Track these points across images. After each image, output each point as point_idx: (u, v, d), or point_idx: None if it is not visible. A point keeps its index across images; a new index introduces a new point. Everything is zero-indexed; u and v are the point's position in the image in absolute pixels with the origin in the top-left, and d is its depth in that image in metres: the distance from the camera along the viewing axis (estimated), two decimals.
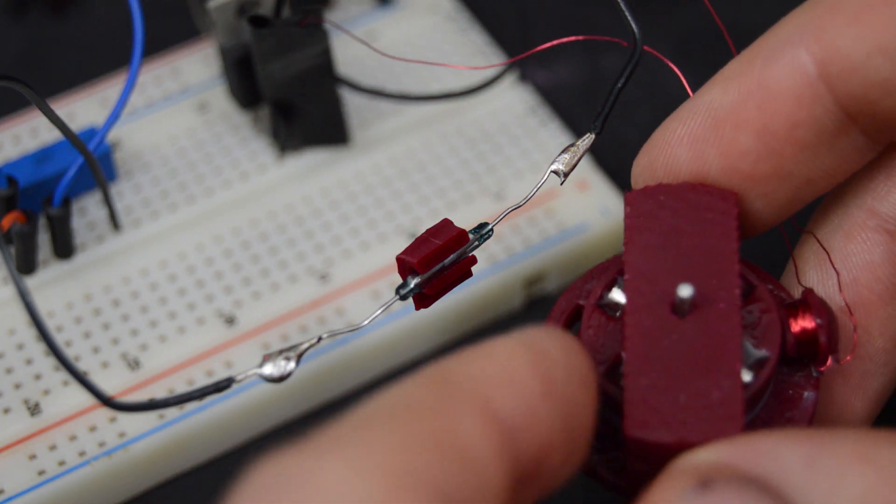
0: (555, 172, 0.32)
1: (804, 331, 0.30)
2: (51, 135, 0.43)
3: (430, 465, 0.25)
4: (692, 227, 0.30)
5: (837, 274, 0.32)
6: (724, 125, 0.31)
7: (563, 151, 0.32)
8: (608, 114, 0.33)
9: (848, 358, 0.31)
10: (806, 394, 0.30)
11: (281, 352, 0.30)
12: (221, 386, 0.30)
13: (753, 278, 0.30)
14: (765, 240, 0.32)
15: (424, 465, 0.25)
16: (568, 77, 0.46)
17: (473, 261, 0.32)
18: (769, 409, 0.30)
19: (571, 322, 0.31)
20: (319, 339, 0.31)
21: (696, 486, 0.27)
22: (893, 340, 0.32)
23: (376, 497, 0.25)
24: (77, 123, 0.43)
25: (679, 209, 0.30)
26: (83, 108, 0.44)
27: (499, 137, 0.43)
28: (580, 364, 0.28)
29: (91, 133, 0.40)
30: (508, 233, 0.41)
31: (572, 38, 0.36)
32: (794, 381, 0.30)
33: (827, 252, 0.32)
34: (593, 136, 0.32)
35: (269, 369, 0.30)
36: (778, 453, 0.27)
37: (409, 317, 0.40)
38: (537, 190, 0.33)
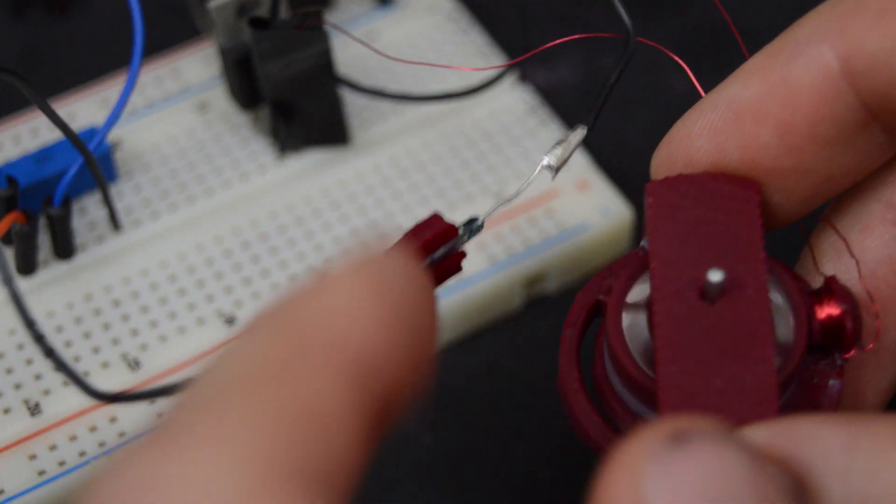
0: (546, 167, 0.32)
1: (830, 317, 0.30)
2: (51, 135, 0.43)
3: (292, 442, 0.23)
4: (715, 214, 0.30)
5: (857, 262, 0.32)
6: (746, 119, 0.31)
7: (554, 145, 0.32)
8: (601, 107, 0.33)
9: (871, 345, 0.31)
10: (832, 382, 0.30)
11: None
12: None
13: (779, 269, 0.30)
14: (779, 234, 0.32)
15: (286, 446, 0.23)
16: (568, 77, 0.46)
17: (463, 255, 0.32)
18: (795, 397, 0.30)
19: (590, 318, 0.31)
20: None
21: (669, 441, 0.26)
22: None
23: (239, 501, 0.22)
24: (77, 123, 0.43)
25: (701, 198, 0.30)
26: (83, 108, 0.44)
27: (499, 137, 0.43)
28: (422, 286, 0.26)
29: (91, 133, 0.40)
30: (508, 233, 0.41)
31: (571, 38, 0.36)
32: (819, 369, 0.30)
33: (845, 240, 0.32)
34: (585, 129, 0.33)
35: None
36: (817, 436, 0.27)
37: None
38: (528, 184, 0.33)
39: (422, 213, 0.42)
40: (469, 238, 0.32)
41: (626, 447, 0.25)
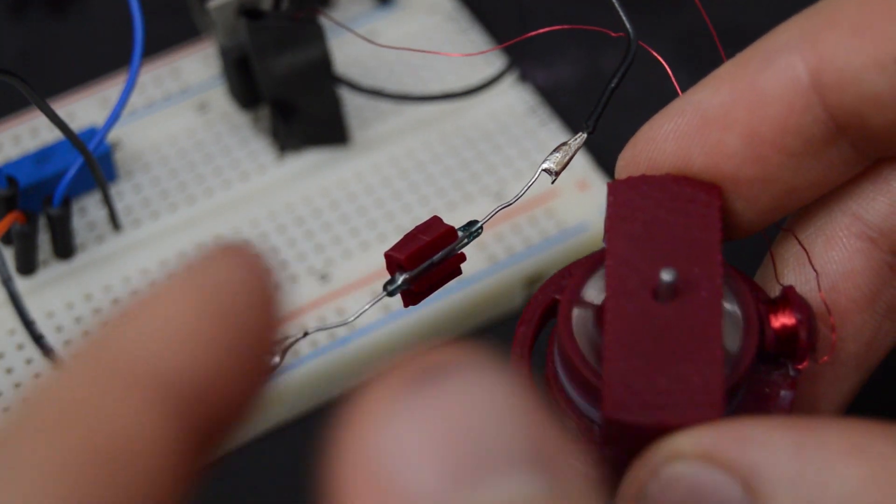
0: (546, 171, 0.32)
1: (784, 327, 0.30)
2: (51, 135, 0.43)
3: (91, 486, 0.21)
4: (675, 217, 0.30)
5: (817, 274, 0.32)
6: (712, 125, 0.30)
7: (555, 150, 0.33)
8: (601, 113, 0.33)
9: (826, 358, 0.31)
10: (783, 393, 0.30)
11: None
12: None
13: (735, 276, 0.30)
14: (744, 243, 0.32)
15: (87, 490, 0.21)
16: (568, 77, 0.46)
17: (462, 258, 0.32)
18: (746, 405, 0.30)
19: (546, 317, 0.31)
20: (305, 333, 0.31)
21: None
22: (866, 346, 0.32)
23: None
24: (77, 123, 0.43)
25: (662, 199, 0.30)
26: (83, 108, 0.44)
27: (499, 137, 0.43)
28: (257, 285, 0.23)
29: (91, 133, 0.40)
30: (508, 233, 0.41)
31: (563, 27, 0.36)
32: (772, 379, 0.30)
33: (806, 251, 0.32)
34: (585, 135, 0.33)
35: None
36: (766, 441, 0.26)
37: (409, 317, 0.40)
38: (528, 188, 0.33)
39: (422, 213, 0.42)
40: (469, 241, 0.32)
41: (366, 392, 0.22)
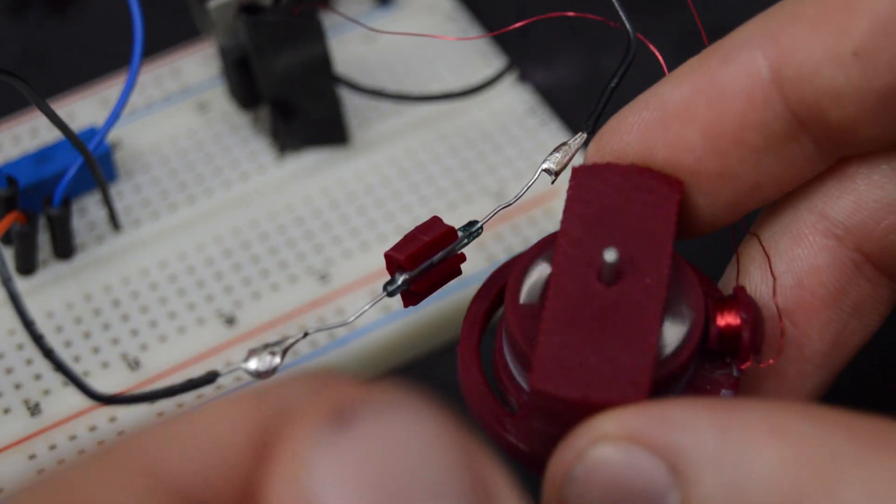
0: (546, 171, 0.32)
1: (728, 326, 0.30)
2: (51, 135, 0.43)
3: None
4: (632, 205, 0.30)
5: (774, 279, 0.32)
6: (673, 119, 0.31)
7: (554, 150, 0.33)
8: (601, 113, 0.33)
9: (771, 361, 0.31)
10: (724, 391, 0.30)
11: (266, 346, 0.30)
12: (207, 380, 0.30)
13: (687, 271, 0.30)
14: (715, 244, 0.32)
15: None
16: (567, 77, 0.46)
17: (462, 258, 0.32)
18: None
19: (499, 301, 0.32)
20: (305, 334, 0.31)
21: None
22: (831, 343, 0.32)
23: None
24: (77, 123, 0.43)
25: (622, 187, 0.31)
26: (83, 108, 0.44)
27: (499, 137, 0.44)
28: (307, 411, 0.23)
29: (91, 133, 0.40)
30: (508, 233, 0.41)
31: (555, 15, 0.36)
32: (714, 377, 0.30)
33: (768, 256, 0.32)
34: (585, 135, 0.33)
35: (253, 364, 0.30)
36: (690, 422, 0.26)
37: (409, 317, 0.40)
38: (528, 189, 0.33)
39: (421, 213, 0.42)
40: (469, 241, 0.32)
41: (288, 433, 0.22)
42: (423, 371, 0.40)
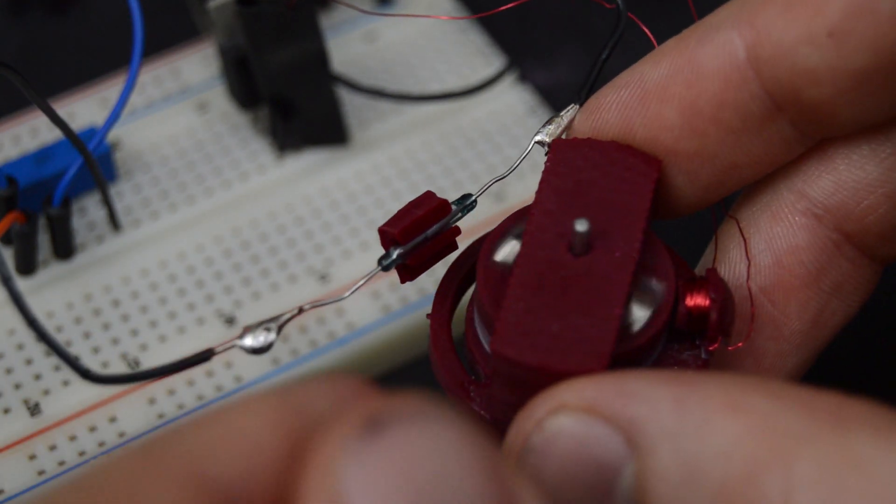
0: (539, 143, 0.33)
1: (697, 306, 0.30)
2: (51, 135, 0.43)
3: None
4: (608, 181, 0.31)
5: (749, 262, 0.32)
6: (651, 97, 0.31)
7: (547, 122, 0.33)
8: (592, 85, 0.33)
9: (739, 344, 0.31)
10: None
11: (261, 323, 0.30)
12: (202, 358, 0.30)
13: (661, 251, 0.30)
14: (698, 225, 0.33)
15: None
16: (567, 77, 0.46)
17: (457, 232, 0.32)
18: None
19: (469, 279, 0.32)
20: (300, 309, 0.31)
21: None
22: (810, 323, 0.32)
23: None
24: (77, 123, 0.43)
25: (600, 163, 0.31)
26: (83, 108, 0.44)
27: (499, 137, 0.44)
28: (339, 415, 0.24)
29: (91, 133, 0.40)
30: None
31: None
32: (682, 358, 0.30)
33: (745, 239, 0.32)
34: (578, 106, 0.33)
35: (249, 341, 0.30)
36: (647, 394, 0.26)
37: (409, 317, 0.40)
38: (521, 161, 0.33)
39: None
40: (463, 215, 0.32)
41: (321, 442, 0.23)
42: (423, 371, 0.40)
